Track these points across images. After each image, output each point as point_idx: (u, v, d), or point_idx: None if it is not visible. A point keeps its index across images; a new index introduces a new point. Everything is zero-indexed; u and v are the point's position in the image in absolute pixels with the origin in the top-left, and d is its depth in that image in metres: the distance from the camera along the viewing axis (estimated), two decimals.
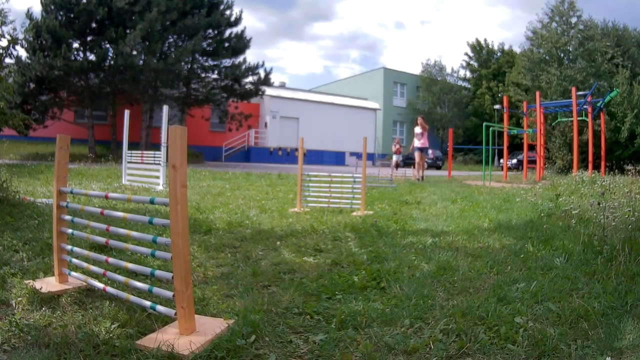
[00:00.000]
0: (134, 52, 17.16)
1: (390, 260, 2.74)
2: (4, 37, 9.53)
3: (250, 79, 21.41)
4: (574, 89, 11.92)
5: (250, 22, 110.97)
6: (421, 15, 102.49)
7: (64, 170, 2.13)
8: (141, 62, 17.34)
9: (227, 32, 20.89)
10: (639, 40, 26.76)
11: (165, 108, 7.49)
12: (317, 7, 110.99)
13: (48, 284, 2.07)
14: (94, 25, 17.61)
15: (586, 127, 13.71)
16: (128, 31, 16.92)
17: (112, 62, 17.35)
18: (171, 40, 19.29)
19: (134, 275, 2.17)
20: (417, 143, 11.80)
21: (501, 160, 21.87)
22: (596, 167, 12.81)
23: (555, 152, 16.67)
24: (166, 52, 18.92)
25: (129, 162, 8.28)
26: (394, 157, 13.41)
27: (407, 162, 18.81)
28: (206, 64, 20.92)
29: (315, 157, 26.86)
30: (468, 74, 36.59)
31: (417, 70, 40.70)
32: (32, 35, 16.33)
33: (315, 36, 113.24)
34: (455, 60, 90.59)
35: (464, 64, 36.86)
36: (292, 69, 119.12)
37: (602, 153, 13.04)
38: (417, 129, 11.78)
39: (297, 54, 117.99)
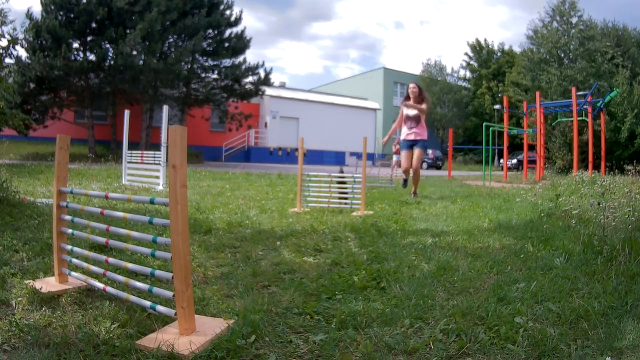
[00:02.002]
0: (134, 52, 17.18)
1: (390, 260, 2.74)
2: (4, 37, 9.55)
3: (250, 79, 21.46)
4: (574, 89, 11.93)
5: (250, 22, 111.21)
6: (421, 15, 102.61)
7: (64, 170, 2.13)
8: (141, 62, 17.35)
9: (227, 32, 20.93)
10: (639, 40, 26.79)
11: (165, 108, 7.49)
12: (316, 7, 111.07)
13: (48, 284, 2.07)
14: (94, 25, 17.64)
15: (586, 127, 13.72)
16: (128, 31, 16.93)
17: (112, 62, 17.37)
18: (171, 40, 19.31)
19: (134, 275, 2.17)
20: (405, 132, 6.44)
21: (501, 160, 21.86)
22: (596, 167, 12.81)
23: (555, 152, 16.68)
24: (166, 52, 18.94)
25: (129, 162, 8.28)
26: (394, 157, 13.42)
27: None
28: (206, 64, 20.95)
29: (315, 157, 26.87)
30: (468, 74, 36.65)
31: (417, 70, 40.74)
32: (32, 35, 16.36)
33: (315, 36, 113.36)
34: (455, 60, 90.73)
35: (464, 64, 36.97)
36: (292, 69, 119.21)
37: (602, 153, 13.05)
38: (408, 110, 6.41)
39: (296, 54, 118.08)
